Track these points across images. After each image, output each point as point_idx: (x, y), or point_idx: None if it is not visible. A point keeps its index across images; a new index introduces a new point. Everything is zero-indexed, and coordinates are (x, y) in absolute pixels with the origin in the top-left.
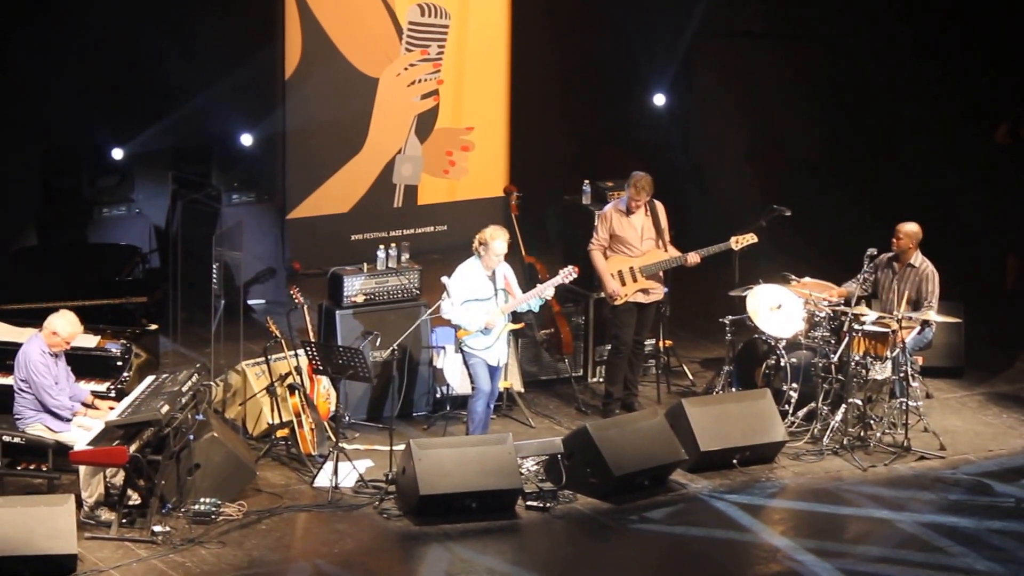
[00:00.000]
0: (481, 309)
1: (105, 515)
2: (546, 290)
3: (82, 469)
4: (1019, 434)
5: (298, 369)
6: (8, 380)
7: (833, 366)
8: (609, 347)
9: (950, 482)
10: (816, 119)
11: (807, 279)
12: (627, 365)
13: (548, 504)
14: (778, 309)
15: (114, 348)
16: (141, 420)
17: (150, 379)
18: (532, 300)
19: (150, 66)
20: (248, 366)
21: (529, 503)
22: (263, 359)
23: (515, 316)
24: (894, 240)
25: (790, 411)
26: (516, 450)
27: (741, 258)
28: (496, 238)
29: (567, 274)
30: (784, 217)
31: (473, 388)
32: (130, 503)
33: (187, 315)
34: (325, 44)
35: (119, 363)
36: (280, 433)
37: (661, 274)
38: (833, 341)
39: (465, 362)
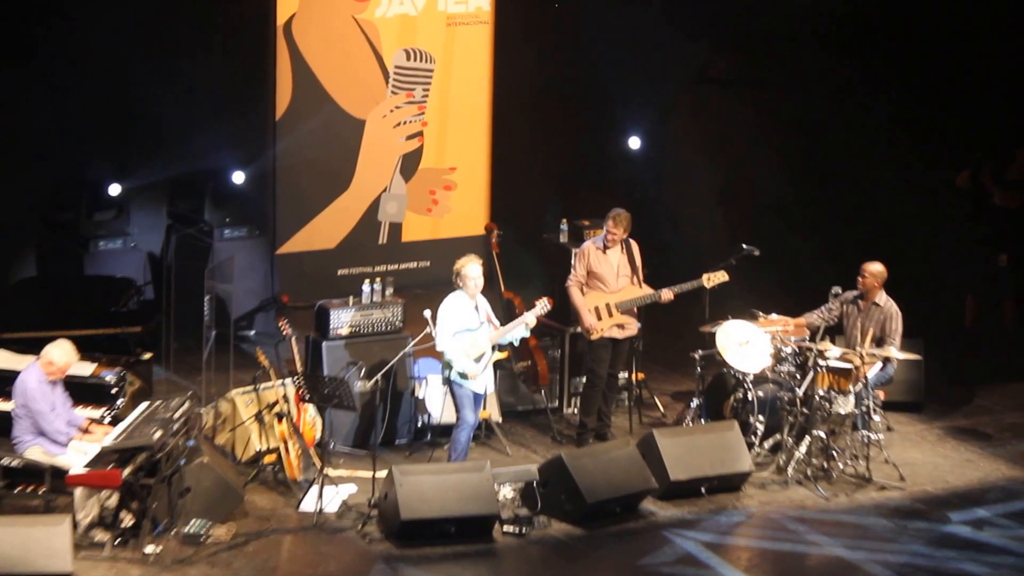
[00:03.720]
0: (471, 338)
1: (99, 536)
2: (528, 319)
3: (78, 491)
4: (976, 467)
5: (285, 398)
6: (7, 406)
7: (798, 400)
8: (584, 379)
9: (909, 512)
10: (784, 163)
11: (774, 316)
12: (601, 397)
13: (524, 529)
14: (746, 344)
15: (109, 376)
16: (135, 445)
17: (144, 406)
18: (516, 331)
19: (147, 107)
20: (238, 394)
21: (506, 528)
22: (252, 388)
23: (499, 346)
24: (860, 279)
25: (757, 442)
26: (494, 477)
27: (711, 295)
28: (468, 264)
29: (543, 305)
30: (753, 256)
31: (458, 419)
32: (123, 524)
33: (179, 345)
34: (314, 86)
35: (114, 390)
36: (268, 459)
37: (636, 310)
38: (798, 376)
39: (454, 393)
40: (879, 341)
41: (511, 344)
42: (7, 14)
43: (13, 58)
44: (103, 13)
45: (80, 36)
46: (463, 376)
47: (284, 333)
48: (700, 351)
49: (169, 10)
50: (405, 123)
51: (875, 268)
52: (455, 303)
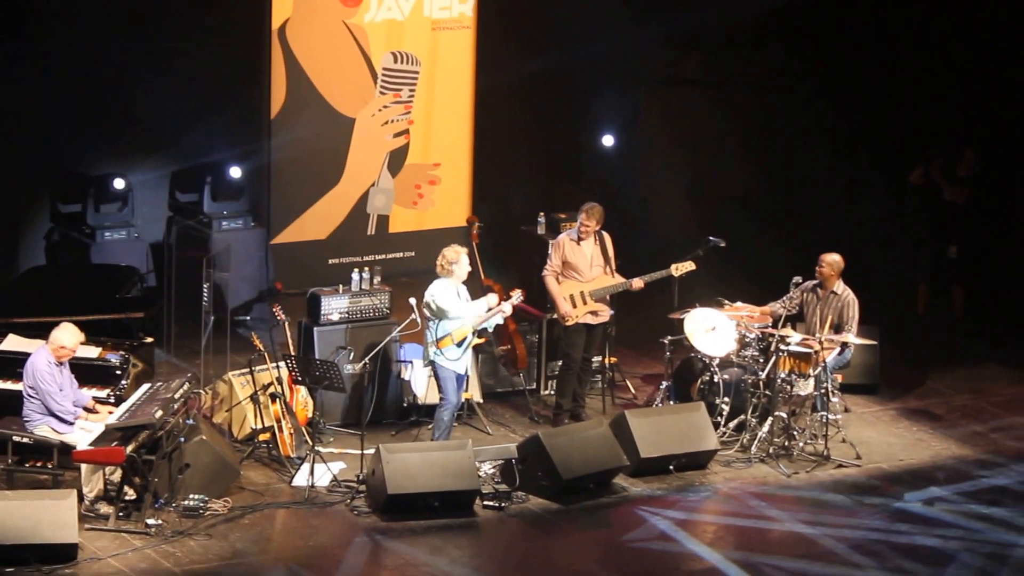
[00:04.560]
0: (457, 323)
1: (104, 509)
2: (505, 308)
3: (84, 467)
4: (927, 445)
5: (279, 379)
6: (19, 386)
7: (761, 382)
8: (560, 363)
9: (865, 488)
10: (749, 160)
11: (739, 304)
12: (576, 380)
13: (503, 504)
14: (712, 331)
15: (114, 358)
16: (137, 423)
17: (146, 387)
18: (494, 318)
19: (150, 107)
20: (234, 376)
21: (486, 503)
22: (248, 370)
23: (478, 331)
24: (818, 269)
25: (722, 422)
26: (475, 455)
27: (680, 284)
28: (460, 253)
29: (517, 296)
30: (719, 248)
31: (442, 399)
32: (126, 498)
33: (180, 329)
34: (307, 87)
35: (118, 372)
36: (262, 437)
37: (608, 298)
38: (761, 360)
39: (438, 375)
40: (837, 327)
41: (486, 329)
42: (21, 19)
43: (29, 62)
44: (112, 20)
45: (90, 40)
46: (459, 342)
47: (278, 318)
48: (669, 336)
49: (170, 15)
50: (392, 121)
51: (832, 258)
52: (445, 289)
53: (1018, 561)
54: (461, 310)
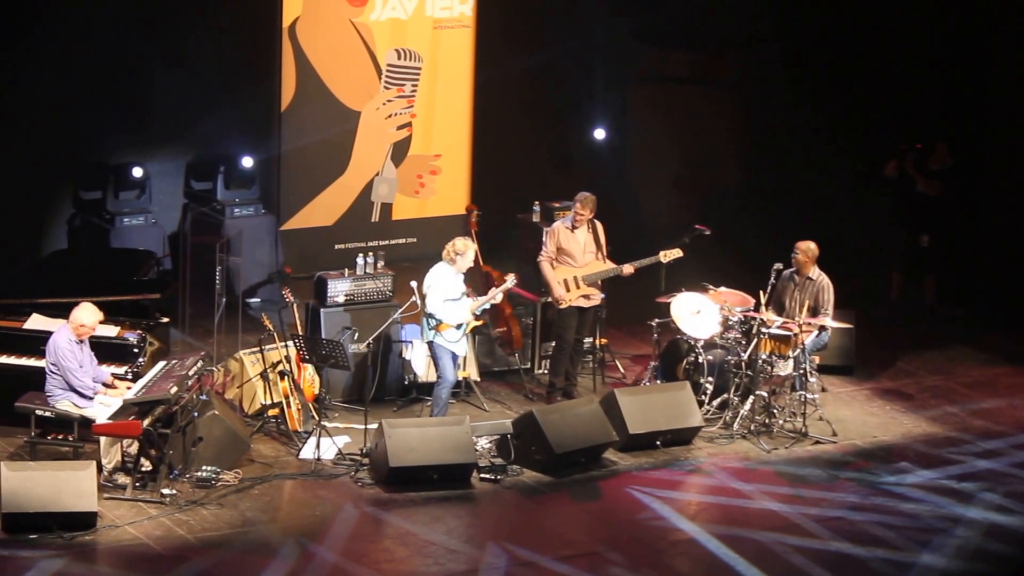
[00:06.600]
0: (456, 306)
1: (121, 479)
2: (497, 294)
3: (102, 439)
4: (899, 423)
5: (287, 358)
6: (42, 363)
7: (743, 363)
8: (553, 344)
9: (840, 464)
10: (733, 152)
11: (723, 288)
12: (568, 360)
13: (499, 476)
14: (698, 314)
15: (131, 337)
16: (153, 399)
17: (161, 364)
18: (488, 302)
19: (167, 100)
20: (245, 354)
21: (483, 475)
22: (258, 349)
23: (475, 314)
24: (793, 256)
25: (706, 401)
26: (472, 430)
27: (667, 270)
28: (468, 247)
29: (511, 280)
30: (704, 235)
31: (439, 377)
32: (143, 469)
33: (194, 310)
34: (315, 81)
35: (135, 350)
36: (271, 412)
37: (600, 282)
38: (744, 342)
39: (435, 354)
40: (813, 311)
41: (484, 311)
42: (45, 16)
43: (53, 58)
44: (133, 19)
45: (111, 38)
46: (457, 325)
47: (287, 300)
48: (657, 319)
49: (186, 14)
50: (396, 115)
51: (806, 246)
52: (443, 274)
53: (988, 532)
54: (445, 313)
